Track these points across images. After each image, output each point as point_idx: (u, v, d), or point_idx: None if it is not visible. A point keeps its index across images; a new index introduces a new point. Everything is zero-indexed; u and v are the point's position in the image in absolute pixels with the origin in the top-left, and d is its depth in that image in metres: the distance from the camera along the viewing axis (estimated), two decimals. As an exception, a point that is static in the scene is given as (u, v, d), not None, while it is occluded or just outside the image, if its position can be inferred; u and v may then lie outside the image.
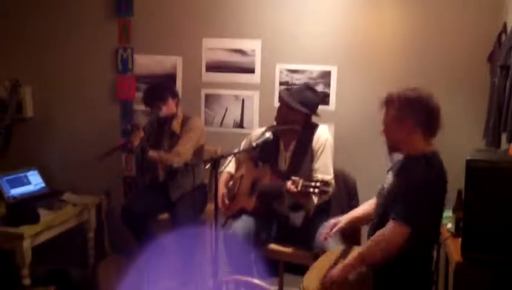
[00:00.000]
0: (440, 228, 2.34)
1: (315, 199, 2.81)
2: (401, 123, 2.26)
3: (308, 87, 3.03)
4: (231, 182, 3.18)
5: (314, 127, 3.03)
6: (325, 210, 2.93)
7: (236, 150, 3.11)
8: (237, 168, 3.21)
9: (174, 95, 3.47)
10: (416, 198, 2.17)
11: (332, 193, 2.81)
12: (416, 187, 2.18)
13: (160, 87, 3.47)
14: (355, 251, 2.35)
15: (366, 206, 2.60)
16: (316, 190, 2.53)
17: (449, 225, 2.65)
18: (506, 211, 2.10)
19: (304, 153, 2.96)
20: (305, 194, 2.65)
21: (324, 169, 2.91)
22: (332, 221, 2.62)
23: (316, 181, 2.55)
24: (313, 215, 2.92)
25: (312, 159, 2.95)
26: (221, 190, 3.09)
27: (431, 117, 2.25)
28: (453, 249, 2.35)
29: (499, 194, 2.10)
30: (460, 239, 2.24)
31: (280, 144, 3.04)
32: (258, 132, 3.15)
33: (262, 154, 3.03)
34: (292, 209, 2.93)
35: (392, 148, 2.36)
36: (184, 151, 3.32)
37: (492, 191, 2.11)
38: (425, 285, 2.36)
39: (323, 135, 2.99)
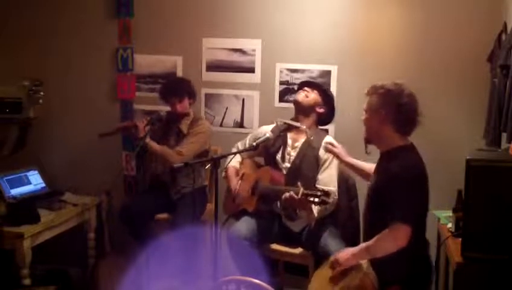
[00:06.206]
0: (427, 213, 2.39)
1: (315, 211, 2.75)
2: (376, 112, 2.33)
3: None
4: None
5: (323, 134, 3.05)
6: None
7: (235, 150, 3.11)
8: (241, 163, 3.18)
9: (191, 95, 3.47)
10: (407, 194, 2.22)
11: (334, 204, 2.80)
12: (403, 181, 2.23)
13: (181, 84, 3.48)
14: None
15: (366, 165, 2.69)
16: (316, 199, 2.51)
17: (449, 225, 2.65)
18: (506, 211, 2.10)
19: (310, 155, 2.95)
20: (304, 205, 2.64)
21: (328, 181, 2.89)
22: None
23: (317, 190, 2.53)
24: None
25: (317, 164, 2.93)
26: (234, 181, 3.08)
27: (400, 113, 2.29)
28: (453, 249, 2.35)
29: (498, 194, 2.10)
30: (460, 239, 2.23)
31: (287, 138, 3.04)
32: (263, 129, 3.14)
33: (270, 145, 3.02)
34: (289, 219, 2.93)
35: (367, 138, 2.44)
36: (186, 152, 3.30)
37: (492, 191, 2.11)
38: (426, 268, 2.40)
39: None
